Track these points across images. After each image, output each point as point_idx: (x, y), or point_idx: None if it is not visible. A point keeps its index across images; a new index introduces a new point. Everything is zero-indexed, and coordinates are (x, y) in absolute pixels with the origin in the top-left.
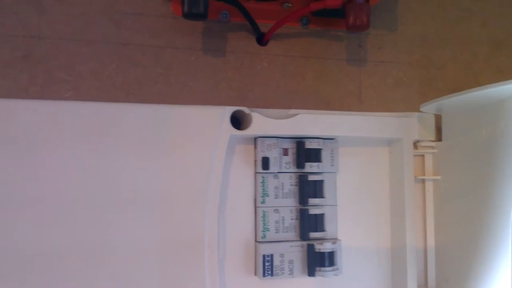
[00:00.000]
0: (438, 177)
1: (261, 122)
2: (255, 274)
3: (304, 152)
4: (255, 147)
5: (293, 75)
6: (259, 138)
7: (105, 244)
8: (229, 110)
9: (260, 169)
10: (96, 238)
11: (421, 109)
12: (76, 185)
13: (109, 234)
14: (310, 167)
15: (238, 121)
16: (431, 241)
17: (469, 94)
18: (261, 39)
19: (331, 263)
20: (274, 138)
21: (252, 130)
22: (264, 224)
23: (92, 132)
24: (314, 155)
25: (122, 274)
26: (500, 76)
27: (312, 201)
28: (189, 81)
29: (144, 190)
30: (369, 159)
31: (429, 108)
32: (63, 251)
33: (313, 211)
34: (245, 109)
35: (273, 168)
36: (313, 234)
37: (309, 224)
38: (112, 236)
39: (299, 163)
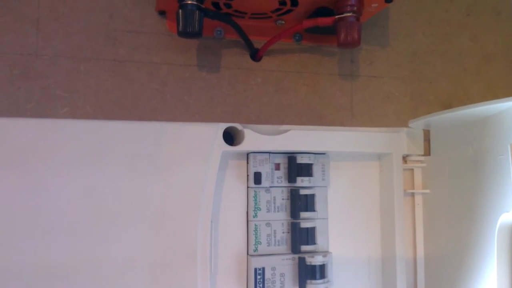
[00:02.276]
0: (427, 191)
1: (253, 138)
2: (247, 287)
3: (296, 167)
4: (248, 162)
5: (286, 90)
6: (251, 154)
7: (98, 258)
8: (222, 126)
9: (252, 184)
10: (89, 252)
11: (410, 125)
12: (70, 201)
13: (102, 248)
14: (301, 181)
15: (231, 136)
16: (420, 253)
17: (456, 112)
18: (255, 55)
19: (322, 275)
20: (266, 154)
21: (245, 146)
22: (256, 238)
23: (87, 149)
24: (306, 170)
25: (117, 280)
26: (490, 90)
27: (303, 214)
28: (185, 96)
29: (137, 205)
30: (359, 173)
31: (418, 124)
32: (55, 266)
33: (304, 224)
34: (237, 126)
35: (265, 182)
36: (304, 247)
37: (301, 237)
38: (104, 251)
39: (291, 178)
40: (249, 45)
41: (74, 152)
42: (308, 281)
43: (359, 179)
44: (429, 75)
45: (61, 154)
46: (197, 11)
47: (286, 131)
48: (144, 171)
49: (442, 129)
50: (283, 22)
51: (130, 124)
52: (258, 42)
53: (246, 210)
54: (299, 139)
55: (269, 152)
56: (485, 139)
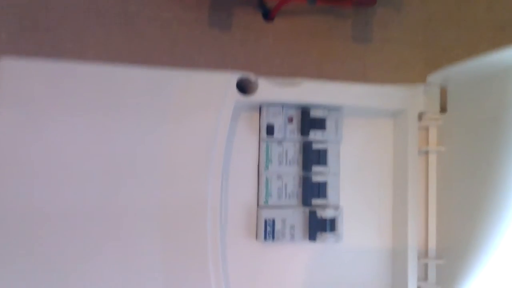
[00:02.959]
0: (442, 148)
1: (267, 89)
2: (257, 238)
3: (309, 120)
4: (260, 115)
5: (298, 52)
6: (264, 106)
7: (108, 208)
8: (235, 75)
9: (264, 136)
10: (99, 202)
11: (428, 79)
12: (79, 149)
13: (112, 198)
14: (314, 134)
15: (243, 90)
16: (432, 211)
17: (478, 60)
18: (267, 15)
19: (332, 229)
20: (279, 106)
21: (258, 96)
22: (267, 190)
23: (96, 95)
24: (319, 124)
25: (124, 237)
26: None
27: (315, 168)
28: (195, 55)
29: (147, 155)
30: (373, 130)
31: (436, 78)
32: (65, 215)
33: (316, 178)
34: (251, 76)
35: (277, 135)
36: (315, 201)
37: (312, 190)
38: (114, 200)
39: (304, 131)
40: (261, 4)
41: (83, 97)
42: (319, 233)
43: (372, 136)
44: (444, 43)
45: (69, 99)
46: None
47: (300, 83)
48: (155, 120)
49: (461, 84)
50: None
51: (142, 71)
52: (271, 1)
53: (257, 163)
54: (313, 91)
55: (283, 105)
56: (508, 91)
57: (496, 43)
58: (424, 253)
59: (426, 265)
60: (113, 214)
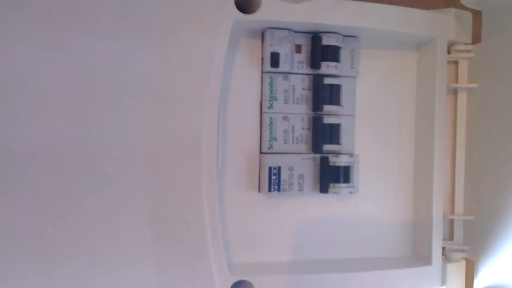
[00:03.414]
0: (474, 85)
1: (272, 6)
2: (259, 190)
3: (321, 49)
4: (263, 41)
5: None
6: (268, 29)
7: (87, 142)
8: None
9: (268, 68)
10: (76, 135)
11: (462, 0)
12: (44, 71)
13: (91, 130)
14: (326, 67)
15: (243, 10)
16: (460, 160)
17: None
18: None
19: (347, 179)
20: (286, 31)
21: (261, 14)
22: (271, 133)
23: (67, 8)
24: (332, 54)
25: (106, 176)
26: None
27: (327, 108)
28: None
29: (131, 80)
30: (394, 63)
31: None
32: (38, 149)
33: (328, 120)
34: None
35: (283, 66)
36: (327, 147)
37: (323, 134)
38: (94, 133)
39: (314, 62)
40: None
41: (51, 10)
42: (331, 184)
43: (393, 70)
44: None
45: (36, 14)
46: None
47: (311, 0)
48: (139, 39)
49: (499, 6)
50: None
51: None
52: None
53: (259, 100)
54: (326, 10)
55: (290, 30)
56: None
57: None
58: (450, 209)
59: (452, 222)
60: (90, 150)
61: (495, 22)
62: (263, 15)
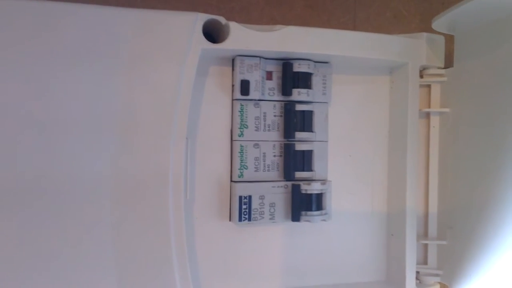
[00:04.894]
0: (446, 110)
1: (241, 35)
2: (230, 219)
3: (292, 76)
4: (233, 69)
5: (279, 3)
6: (238, 57)
7: (48, 176)
8: (201, 17)
9: (238, 95)
10: (37, 169)
11: (433, 24)
12: (8, 103)
13: (53, 164)
14: (298, 94)
15: (212, 38)
16: (433, 184)
17: None
18: None
19: (319, 207)
20: (256, 58)
21: (230, 43)
22: (242, 161)
23: (32, 38)
24: (303, 80)
25: (68, 213)
26: None
27: (299, 135)
28: (157, 3)
29: (95, 112)
30: (366, 88)
31: (442, 22)
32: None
33: (300, 147)
34: (221, 19)
35: (254, 94)
36: (299, 174)
37: (295, 162)
38: (57, 167)
39: (285, 89)
40: None
41: (16, 40)
42: (303, 212)
43: (365, 95)
44: None
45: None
46: None
47: (281, 29)
48: (104, 71)
49: (471, 30)
50: None
51: (86, 9)
52: None
53: (230, 128)
54: (297, 38)
55: (260, 57)
56: None
57: None
58: (423, 233)
59: (426, 247)
60: (52, 185)
61: (467, 46)
62: (232, 44)
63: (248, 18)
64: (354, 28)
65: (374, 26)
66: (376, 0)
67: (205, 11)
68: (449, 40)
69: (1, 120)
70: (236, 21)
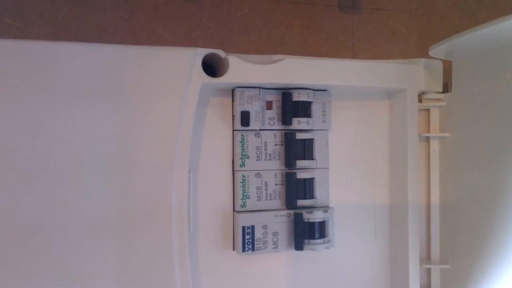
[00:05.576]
0: (446, 134)
1: (240, 68)
2: (234, 249)
3: (291, 106)
4: (233, 100)
5: (277, 24)
6: (237, 89)
7: (52, 215)
8: (201, 52)
9: (238, 126)
10: (41, 208)
11: (431, 52)
12: (13, 142)
13: (56, 202)
14: (298, 123)
15: (212, 70)
16: (435, 209)
17: (491, 27)
18: None
19: (322, 234)
20: (255, 89)
21: (229, 77)
22: (244, 191)
23: (35, 78)
24: (303, 109)
25: (74, 250)
26: None
27: (300, 163)
28: (158, 28)
29: (98, 149)
30: (366, 114)
31: (439, 50)
32: (9, 221)
33: (301, 175)
34: (220, 53)
35: (254, 124)
36: (301, 202)
37: (297, 190)
38: (60, 205)
39: (285, 119)
40: None
41: (19, 81)
42: (306, 240)
43: (365, 121)
44: (440, 10)
45: (2, 83)
46: None
47: (279, 60)
48: (105, 108)
49: (468, 57)
50: None
51: (88, 48)
52: None
53: (231, 158)
54: (295, 69)
55: (260, 87)
56: None
57: (496, 8)
58: (426, 258)
59: (429, 271)
60: (56, 223)
61: (465, 72)
62: (231, 78)
63: (247, 39)
64: (353, 45)
65: (372, 43)
66: (373, 17)
67: (204, 34)
68: (448, 65)
69: (6, 160)
70: (236, 43)
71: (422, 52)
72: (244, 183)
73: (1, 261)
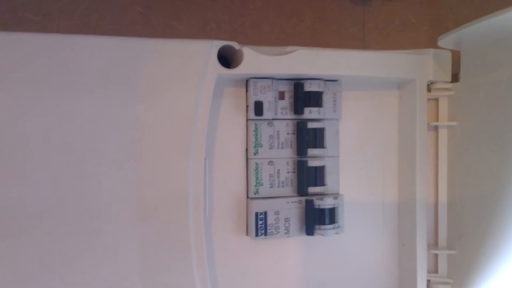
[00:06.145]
0: (454, 123)
1: (254, 59)
2: (247, 234)
3: (303, 96)
4: (247, 90)
5: (289, 16)
6: (251, 79)
7: (74, 201)
8: (216, 44)
9: (252, 115)
10: (64, 194)
11: (439, 42)
12: (37, 131)
13: (78, 189)
14: (309, 112)
15: (227, 61)
16: (443, 196)
17: (499, 17)
18: None
19: (332, 220)
20: (268, 79)
21: (243, 68)
22: (257, 178)
23: (56, 71)
24: (314, 99)
25: (96, 234)
26: None
27: (311, 151)
28: (173, 21)
29: (118, 138)
30: (376, 104)
31: (448, 41)
32: (24, 209)
33: (312, 163)
34: (235, 45)
35: (267, 114)
36: (312, 189)
37: (308, 177)
38: (81, 192)
39: (297, 108)
40: None
41: (41, 74)
42: (317, 226)
43: (375, 111)
44: (450, 0)
45: (25, 76)
46: None
47: (292, 51)
48: (125, 98)
49: (476, 47)
50: None
51: (106, 41)
52: None
53: (245, 147)
54: (307, 60)
55: (272, 78)
56: None
57: (507, 0)
58: (434, 243)
59: (436, 256)
60: (78, 209)
61: (473, 62)
62: (246, 69)
63: (259, 31)
64: (363, 37)
65: (383, 34)
66: (384, 8)
67: (218, 26)
68: (457, 55)
69: (30, 149)
70: (249, 35)
71: (432, 42)
72: (257, 171)
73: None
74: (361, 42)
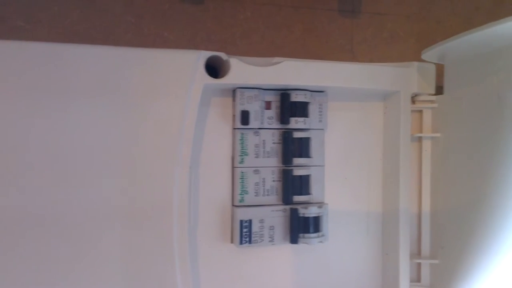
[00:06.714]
0: (437, 135)
1: (241, 70)
2: (232, 241)
3: (289, 106)
4: (234, 100)
5: (279, 27)
6: (238, 89)
7: (61, 208)
8: (204, 55)
9: (238, 125)
10: (51, 202)
11: (423, 56)
12: (25, 139)
13: (65, 196)
14: (295, 122)
15: (214, 71)
16: (426, 206)
17: (480, 33)
18: None
19: (316, 229)
20: (255, 89)
21: (230, 78)
22: (242, 187)
23: (44, 79)
24: (301, 109)
25: (81, 242)
26: None
27: (296, 161)
28: (163, 31)
29: (104, 146)
30: (361, 115)
31: (432, 54)
32: (13, 217)
33: (297, 172)
34: (222, 55)
35: (253, 123)
36: (297, 198)
37: (293, 186)
38: (68, 199)
39: (283, 118)
40: None
41: (32, 81)
42: (301, 234)
43: (360, 121)
44: (438, 14)
45: (15, 84)
46: None
47: (279, 62)
48: (113, 106)
49: (459, 61)
50: None
51: (95, 50)
52: None
53: (231, 155)
54: (294, 71)
55: (259, 88)
56: None
57: (493, 14)
58: (417, 253)
59: (419, 265)
60: (64, 216)
61: (457, 75)
62: (233, 79)
63: (249, 42)
64: (352, 48)
65: (371, 46)
66: (373, 22)
67: (208, 37)
68: (441, 67)
69: (21, 155)
70: (238, 45)
71: (419, 55)
72: (243, 179)
73: (15, 252)
74: (350, 53)
